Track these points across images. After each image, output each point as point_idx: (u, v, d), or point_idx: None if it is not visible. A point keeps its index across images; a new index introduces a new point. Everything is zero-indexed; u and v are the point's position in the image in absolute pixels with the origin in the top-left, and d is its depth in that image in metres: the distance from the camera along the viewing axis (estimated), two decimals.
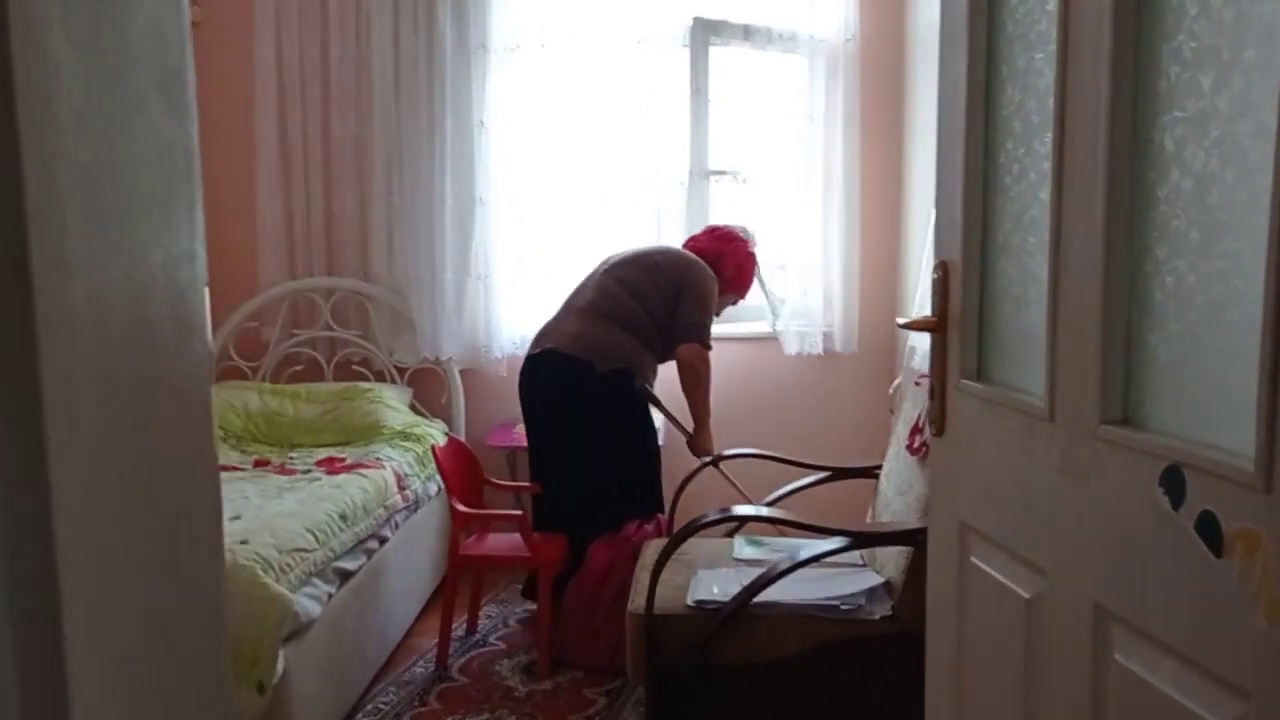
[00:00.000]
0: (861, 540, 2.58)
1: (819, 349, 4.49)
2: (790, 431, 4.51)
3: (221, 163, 4.55)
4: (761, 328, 4.50)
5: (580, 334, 3.59)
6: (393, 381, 4.49)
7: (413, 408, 4.44)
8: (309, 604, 2.73)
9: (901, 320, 1.75)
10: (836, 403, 4.57)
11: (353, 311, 4.53)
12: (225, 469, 3.60)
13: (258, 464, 3.69)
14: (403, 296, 4.44)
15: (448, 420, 4.45)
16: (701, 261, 3.78)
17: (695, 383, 3.66)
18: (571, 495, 3.66)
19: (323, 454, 3.82)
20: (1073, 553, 1.35)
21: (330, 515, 3.01)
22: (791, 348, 4.48)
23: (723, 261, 3.83)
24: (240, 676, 2.41)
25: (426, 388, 4.53)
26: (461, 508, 3.38)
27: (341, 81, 4.41)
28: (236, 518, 2.91)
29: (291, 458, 3.77)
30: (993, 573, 1.58)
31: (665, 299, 3.68)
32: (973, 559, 1.65)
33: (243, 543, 2.59)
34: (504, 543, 3.53)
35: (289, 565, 2.64)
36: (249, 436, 4.05)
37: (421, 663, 3.45)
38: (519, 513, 3.48)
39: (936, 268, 1.73)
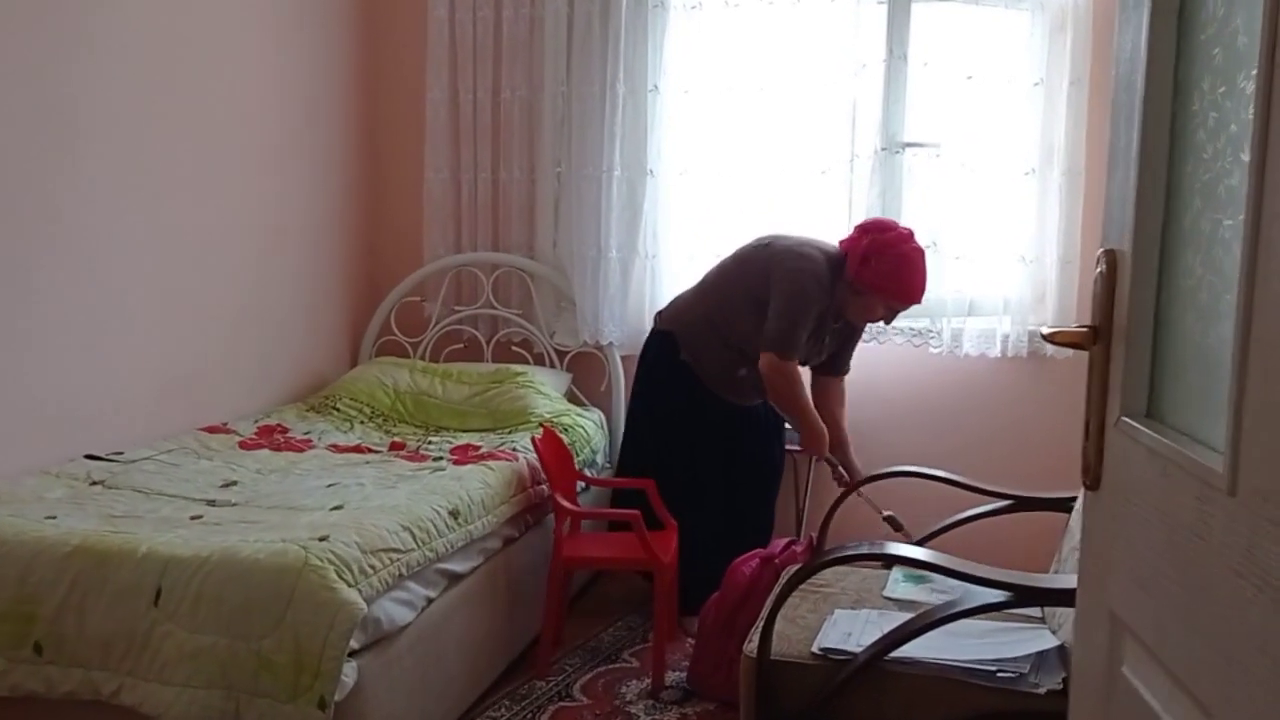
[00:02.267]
0: (1024, 595, 2.08)
1: (1025, 350, 3.90)
2: (977, 448, 3.94)
3: (391, 128, 4.42)
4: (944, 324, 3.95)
5: (677, 311, 3.59)
6: (551, 365, 4.24)
7: (570, 395, 4.17)
8: (397, 610, 2.48)
9: (1046, 329, 1.28)
10: (1043, 415, 3.95)
11: (515, 289, 4.30)
12: (358, 450, 3.44)
13: (393, 448, 3.51)
14: (565, 275, 4.17)
15: (606, 410, 4.15)
16: (814, 259, 3.36)
17: (776, 397, 3.40)
18: (692, 498, 3.44)
19: (462, 440, 3.60)
20: (1250, 697, 0.87)
21: (438, 512, 2.75)
22: (990, 348, 3.91)
23: (875, 258, 3.32)
24: (300, 689, 2.19)
25: (586, 373, 4.25)
26: (566, 504, 3.08)
27: (513, 42, 4.17)
28: (338, 508, 2.70)
29: (430, 443, 3.57)
30: (1147, 697, 1.10)
31: (751, 295, 3.38)
32: (1124, 670, 1.17)
33: (321, 539, 2.36)
34: (611, 543, 3.26)
35: (373, 567, 2.39)
36: (395, 416, 3.88)
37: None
38: (635, 511, 3.14)
39: (1100, 259, 1.25)
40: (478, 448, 3.46)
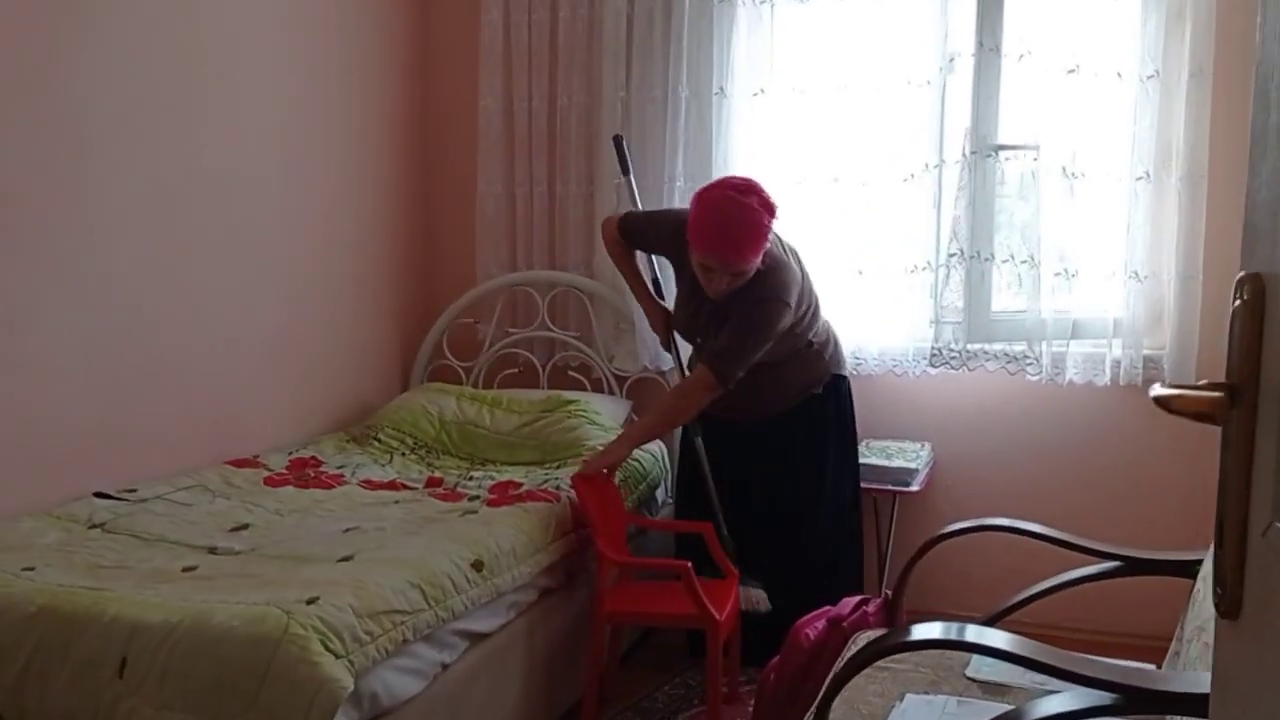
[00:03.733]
0: (1137, 700, 1.68)
1: (1139, 378, 3.45)
2: (1081, 493, 3.50)
3: (442, 139, 4.18)
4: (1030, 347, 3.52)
5: None
6: (610, 391, 3.93)
7: (629, 422, 3.84)
8: (400, 681, 2.19)
9: (1159, 389, 0.91)
10: (1161, 454, 3.49)
11: (573, 310, 4.00)
12: (392, 487, 3.17)
13: (429, 484, 3.23)
14: (624, 295, 3.85)
15: (666, 440, 3.81)
16: (779, 269, 3.06)
17: (674, 408, 3.16)
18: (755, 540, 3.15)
19: (505, 475, 3.30)
20: None
21: (458, 564, 2.46)
22: (1098, 375, 3.47)
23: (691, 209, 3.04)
24: None
25: (647, 399, 3.91)
26: (608, 552, 2.76)
27: (570, 45, 3.89)
28: (347, 559, 2.42)
29: (470, 479, 3.28)
30: None
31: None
32: None
33: (311, 601, 2.08)
34: (664, 594, 2.92)
35: (370, 633, 2.10)
36: (439, 448, 3.61)
37: None
38: (684, 562, 2.81)
39: (1241, 286, 0.88)
40: (518, 485, 3.16)
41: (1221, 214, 3.35)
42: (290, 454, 3.37)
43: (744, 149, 3.73)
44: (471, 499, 3.04)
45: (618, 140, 3.47)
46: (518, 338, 4.02)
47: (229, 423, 3.32)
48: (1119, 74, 3.40)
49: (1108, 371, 3.47)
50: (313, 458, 3.38)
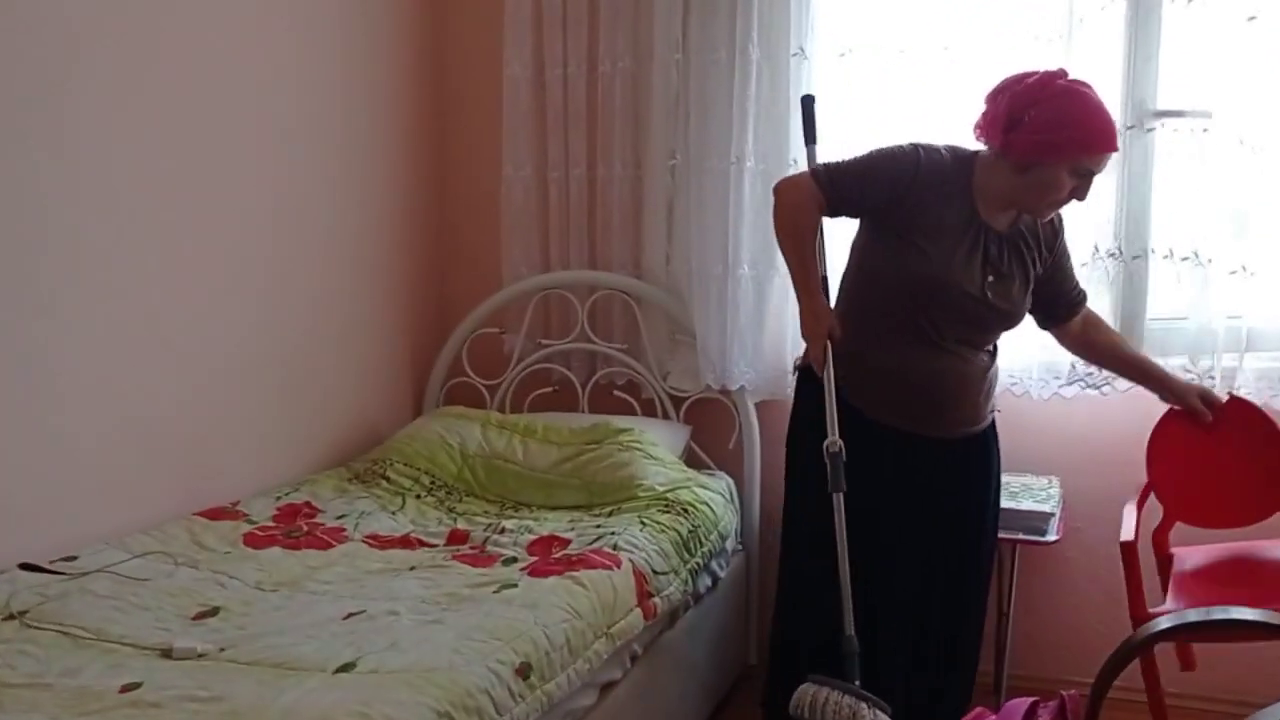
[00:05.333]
0: None
1: None
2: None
3: (460, 114, 3.52)
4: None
5: None
6: (664, 415, 3.27)
7: (688, 455, 3.19)
8: None
9: None
10: None
11: (618, 318, 3.33)
12: (406, 544, 2.53)
13: (453, 539, 2.57)
14: (682, 299, 3.20)
15: (736, 475, 3.16)
16: (931, 147, 2.38)
17: (775, 219, 2.46)
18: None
19: (546, 527, 2.64)
20: None
21: (498, 674, 1.80)
22: (1276, 395, 2.81)
23: (1029, 110, 2.21)
24: None
25: (710, 425, 3.26)
26: None
27: (613, 1, 3.23)
28: (348, 667, 1.78)
29: (502, 531, 2.61)
30: None
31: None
32: None
33: None
34: None
35: None
36: (461, 488, 2.95)
37: None
38: None
39: None
40: (564, 543, 2.51)
41: None
42: (278, 499, 2.72)
43: (829, 122, 3.04)
44: (507, 562, 2.39)
45: (807, 102, 2.64)
46: (552, 351, 3.36)
47: (200, 461, 2.66)
48: None
49: None
50: (306, 503, 2.72)
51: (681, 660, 2.63)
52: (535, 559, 2.40)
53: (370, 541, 2.53)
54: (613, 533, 2.52)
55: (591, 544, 2.46)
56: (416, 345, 3.47)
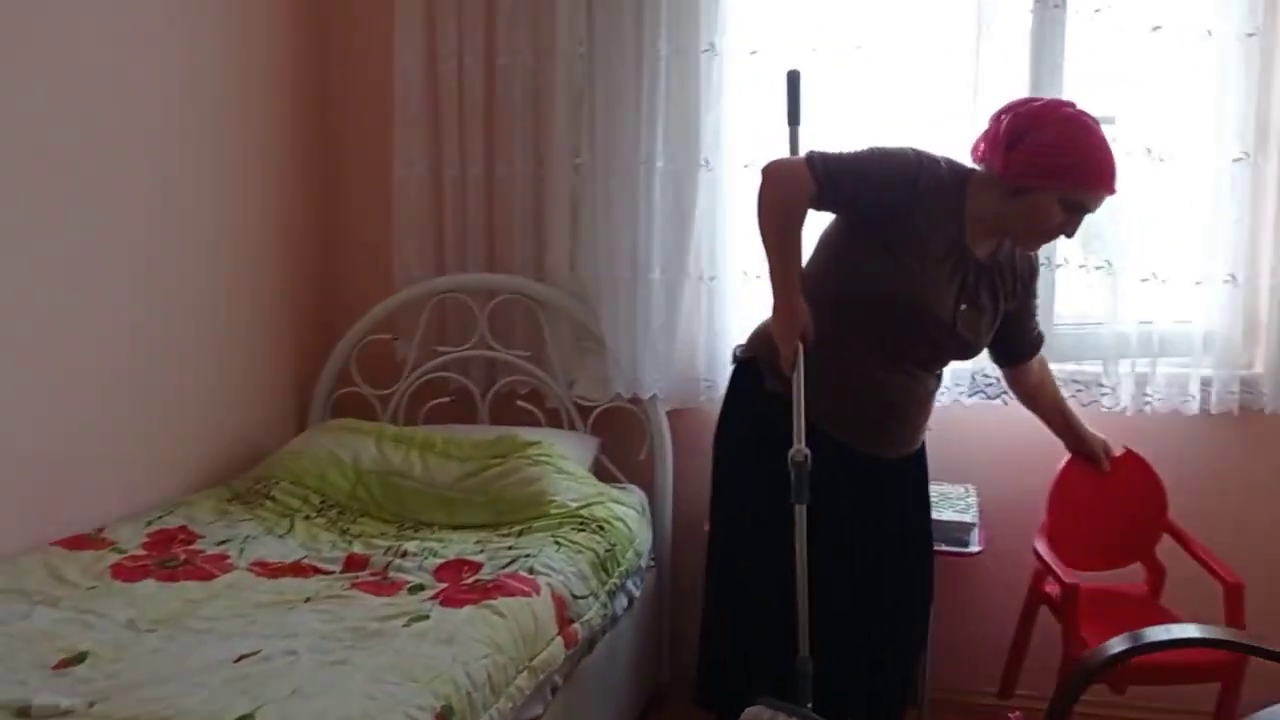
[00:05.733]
0: None
1: (1235, 405, 2.81)
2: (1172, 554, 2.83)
3: (349, 109, 3.29)
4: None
5: (758, 329, 2.42)
6: (571, 426, 3.10)
7: (598, 467, 3.04)
8: None
9: None
10: (1264, 499, 2.88)
11: (520, 323, 3.16)
12: (298, 571, 2.31)
13: (350, 565, 2.36)
14: (589, 304, 3.04)
15: (648, 488, 3.02)
16: (929, 155, 2.22)
17: (759, 201, 2.22)
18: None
19: (452, 549, 2.45)
20: None
21: None
22: (1186, 402, 2.82)
23: (1029, 133, 2.11)
24: None
25: (619, 436, 3.12)
26: None
27: None
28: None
29: (404, 555, 2.41)
30: None
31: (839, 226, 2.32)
32: None
33: None
34: None
35: None
36: (355, 508, 2.73)
37: None
38: None
39: None
40: (475, 567, 2.33)
41: None
42: (149, 524, 2.46)
43: (741, 121, 2.96)
44: (413, 590, 2.20)
45: (793, 77, 2.39)
46: (448, 358, 3.16)
47: (58, 482, 2.39)
48: (1209, 33, 2.74)
49: (1196, 396, 2.82)
50: (182, 528, 2.48)
51: (601, 687, 2.47)
52: (445, 585, 2.21)
53: (258, 570, 2.30)
54: (527, 555, 2.34)
55: (505, 567, 2.29)
56: (301, 352, 3.23)
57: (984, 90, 2.83)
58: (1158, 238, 2.80)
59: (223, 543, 2.42)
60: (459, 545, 2.49)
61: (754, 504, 2.28)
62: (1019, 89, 2.82)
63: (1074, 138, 2.09)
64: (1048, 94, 2.78)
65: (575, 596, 2.29)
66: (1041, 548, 2.65)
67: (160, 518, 2.50)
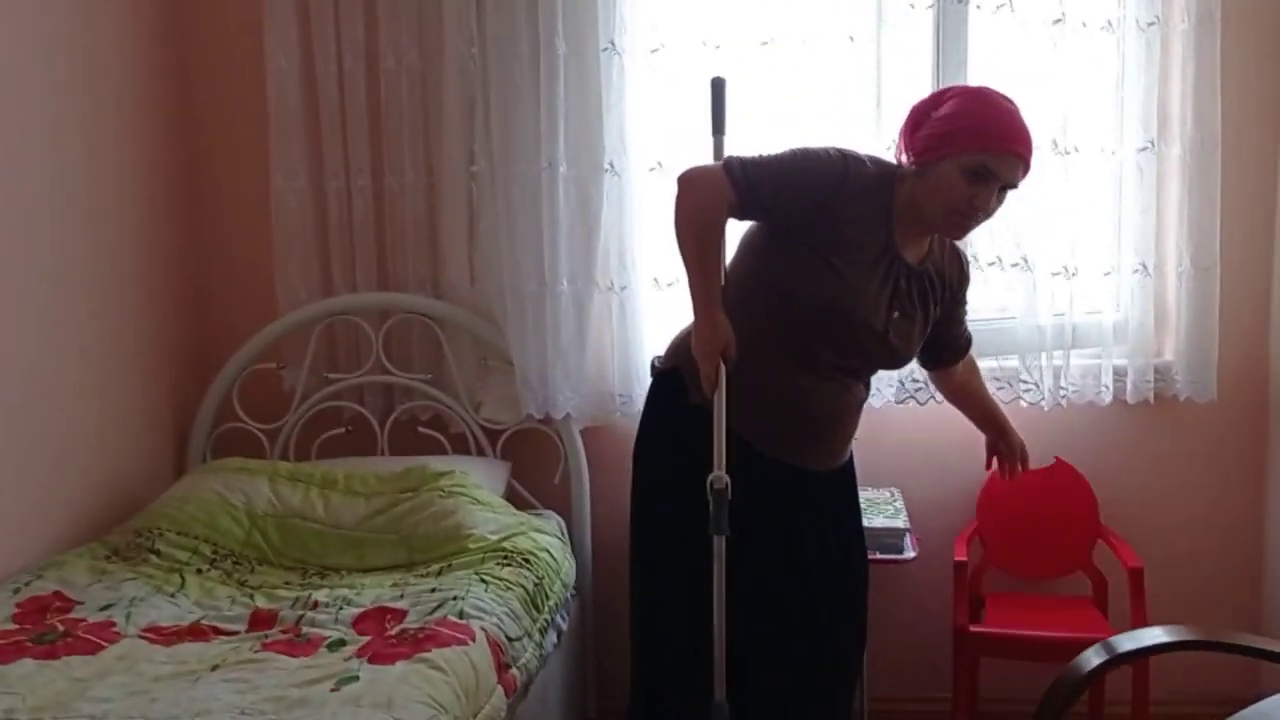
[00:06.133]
0: None
1: (1150, 393, 2.82)
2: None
3: (220, 120, 3.03)
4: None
5: (679, 337, 2.28)
6: (479, 452, 2.92)
7: (510, 493, 2.86)
8: None
9: None
10: (1189, 490, 2.92)
11: (418, 344, 2.95)
12: (197, 635, 2.07)
13: (256, 623, 2.14)
14: (493, 320, 2.87)
15: (565, 513, 2.87)
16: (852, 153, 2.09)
17: (675, 213, 2.06)
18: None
19: (368, 596, 2.24)
20: None
21: None
22: (1099, 394, 2.82)
23: (929, 112, 2.06)
24: None
25: (531, 459, 2.95)
26: None
27: None
28: None
29: (315, 607, 2.19)
30: None
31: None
32: None
33: None
34: None
35: None
36: (252, 557, 2.49)
37: None
38: None
39: None
40: (399, 614, 2.13)
41: (1238, 192, 2.78)
42: (17, 591, 2.18)
43: (646, 122, 2.84)
44: (333, 647, 1.99)
45: (717, 85, 2.25)
46: (342, 386, 2.94)
47: None
48: (1110, 24, 2.75)
49: (1109, 386, 2.82)
50: (56, 594, 2.20)
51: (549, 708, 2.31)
52: (369, 639, 2.01)
53: (151, 636, 2.06)
54: (455, 597, 2.16)
55: (433, 613, 2.10)
56: (176, 387, 2.95)
57: (888, 86, 2.78)
58: (1067, 230, 2.78)
59: (105, 608, 2.15)
60: (374, 590, 2.28)
61: (676, 528, 2.11)
62: (923, 84, 2.78)
63: (970, 106, 2.01)
64: (947, 74, 2.76)
65: (510, 639, 2.12)
66: (960, 543, 2.80)
67: (29, 583, 2.22)
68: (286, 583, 2.37)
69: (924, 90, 2.75)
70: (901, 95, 2.71)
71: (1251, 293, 2.83)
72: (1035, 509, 2.87)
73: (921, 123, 2.03)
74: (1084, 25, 2.75)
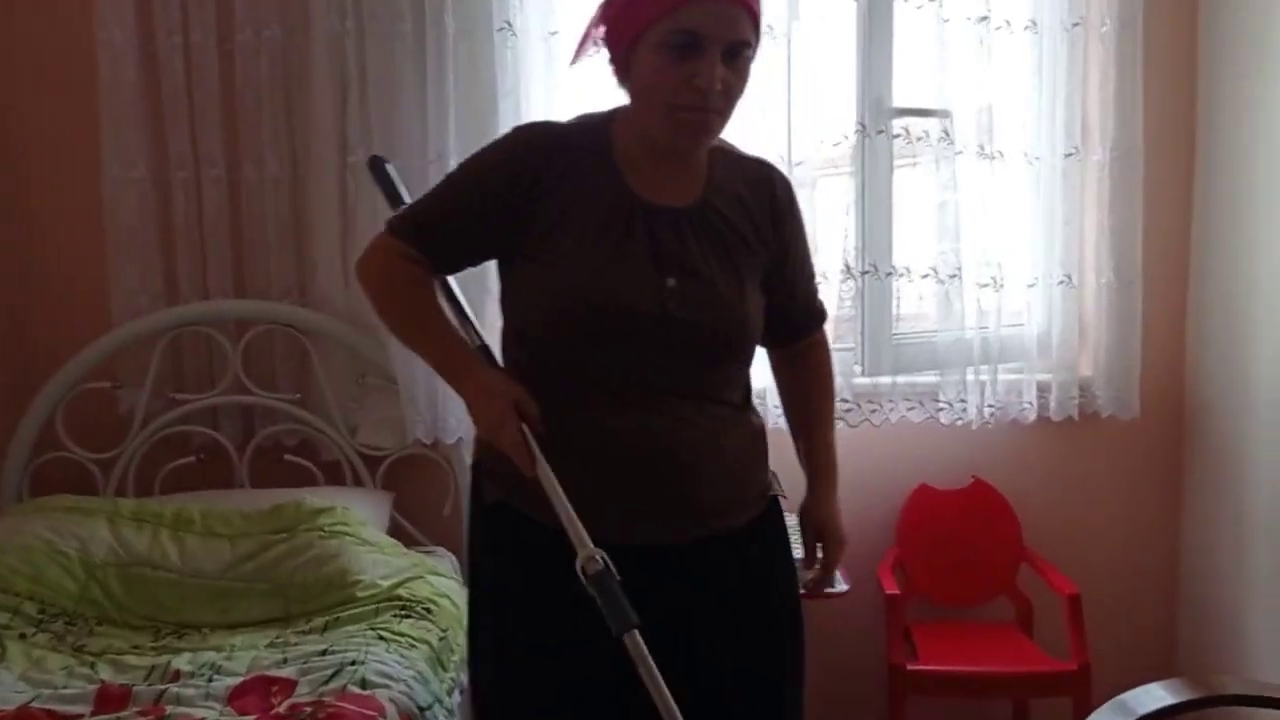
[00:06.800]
0: None
1: (1074, 411, 2.72)
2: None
3: (40, 94, 2.58)
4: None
5: None
6: (356, 482, 2.57)
7: (393, 528, 2.52)
8: None
9: None
10: (1119, 510, 2.83)
11: (283, 360, 2.58)
12: None
13: (106, 703, 1.74)
14: (373, 332, 2.51)
15: (456, 547, 2.54)
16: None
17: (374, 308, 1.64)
18: None
19: (242, 661, 1.87)
20: None
21: None
22: (1023, 411, 2.70)
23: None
24: None
25: (417, 489, 2.62)
26: None
27: None
28: None
29: (176, 678, 1.81)
30: None
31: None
32: None
33: None
34: None
35: None
36: (90, 616, 2.07)
37: None
38: None
39: None
40: (286, 685, 1.77)
41: (1160, 203, 2.71)
42: None
43: (544, 110, 2.55)
44: None
45: (377, 165, 1.85)
46: (191, 408, 2.53)
47: None
48: (1032, 24, 2.64)
49: (1034, 403, 2.70)
50: None
51: None
52: (255, 717, 1.65)
53: None
54: (352, 661, 1.81)
55: (329, 682, 1.75)
56: None
57: (802, 82, 2.58)
58: (991, 240, 2.66)
59: None
60: (248, 653, 1.92)
61: (550, 665, 1.50)
62: (847, 82, 2.61)
63: None
64: (879, 90, 2.58)
65: (421, 709, 1.79)
66: (884, 572, 2.65)
67: None
68: (135, 647, 1.98)
69: (847, 86, 2.60)
70: (815, 91, 2.55)
71: (1168, 307, 2.77)
72: (956, 533, 2.75)
73: (602, 22, 1.52)
74: (1008, 24, 2.63)
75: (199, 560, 2.16)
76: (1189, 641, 2.81)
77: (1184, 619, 2.84)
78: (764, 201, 1.60)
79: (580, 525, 1.42)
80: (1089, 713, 2.47)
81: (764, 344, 1.68)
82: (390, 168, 1.83)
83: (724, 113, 1.48)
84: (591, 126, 1.56)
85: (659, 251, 1.50)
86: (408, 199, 1.74)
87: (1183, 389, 2.79)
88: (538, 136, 1.55)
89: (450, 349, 1.54)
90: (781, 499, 1.66)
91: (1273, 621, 2.48)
